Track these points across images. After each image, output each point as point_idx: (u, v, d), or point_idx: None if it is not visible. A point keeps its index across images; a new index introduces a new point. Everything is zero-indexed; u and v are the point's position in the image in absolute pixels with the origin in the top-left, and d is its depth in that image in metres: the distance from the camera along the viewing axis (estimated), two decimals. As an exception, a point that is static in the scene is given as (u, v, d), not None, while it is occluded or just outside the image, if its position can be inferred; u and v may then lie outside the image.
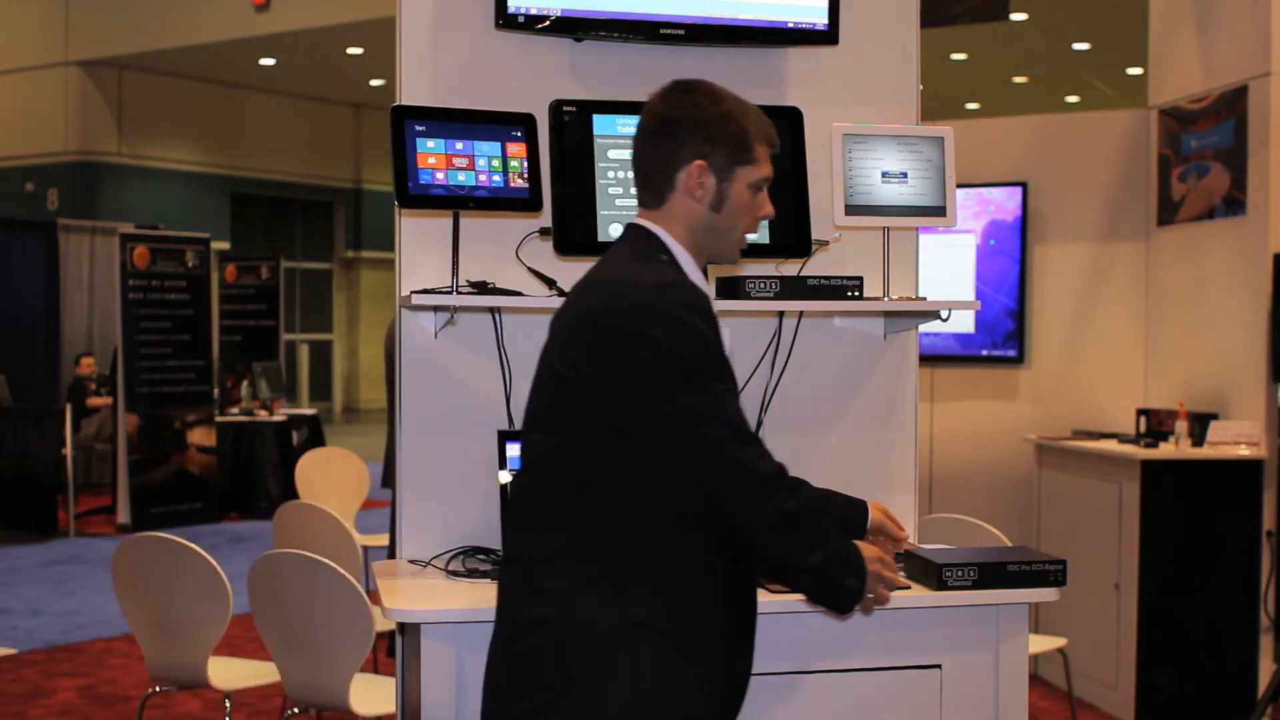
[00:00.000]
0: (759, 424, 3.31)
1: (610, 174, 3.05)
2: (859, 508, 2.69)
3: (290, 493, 8.73)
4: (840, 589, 2.25)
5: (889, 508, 3.39)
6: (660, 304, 2.12)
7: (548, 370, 2.23)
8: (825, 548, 2.21)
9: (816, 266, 3.27)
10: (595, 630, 2.12)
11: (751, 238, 3.10)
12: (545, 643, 2.14)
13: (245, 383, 11.72)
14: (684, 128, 2.27)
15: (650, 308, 2.11)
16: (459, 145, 2.94)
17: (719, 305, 3.05)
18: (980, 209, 6.34)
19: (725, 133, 2.27)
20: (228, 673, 4.06)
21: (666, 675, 2.13)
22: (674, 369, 2.10)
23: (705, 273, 2.36)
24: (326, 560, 3.58)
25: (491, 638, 2.28)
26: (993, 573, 2.68)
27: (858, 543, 2.32)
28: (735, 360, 3.26)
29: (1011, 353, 6.32)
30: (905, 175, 3.18)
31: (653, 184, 2.30)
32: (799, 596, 2.74)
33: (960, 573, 2.64)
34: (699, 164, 2.26)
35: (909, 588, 2.70)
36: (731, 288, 3.06)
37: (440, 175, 2.91)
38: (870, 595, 2.29)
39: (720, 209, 2.28)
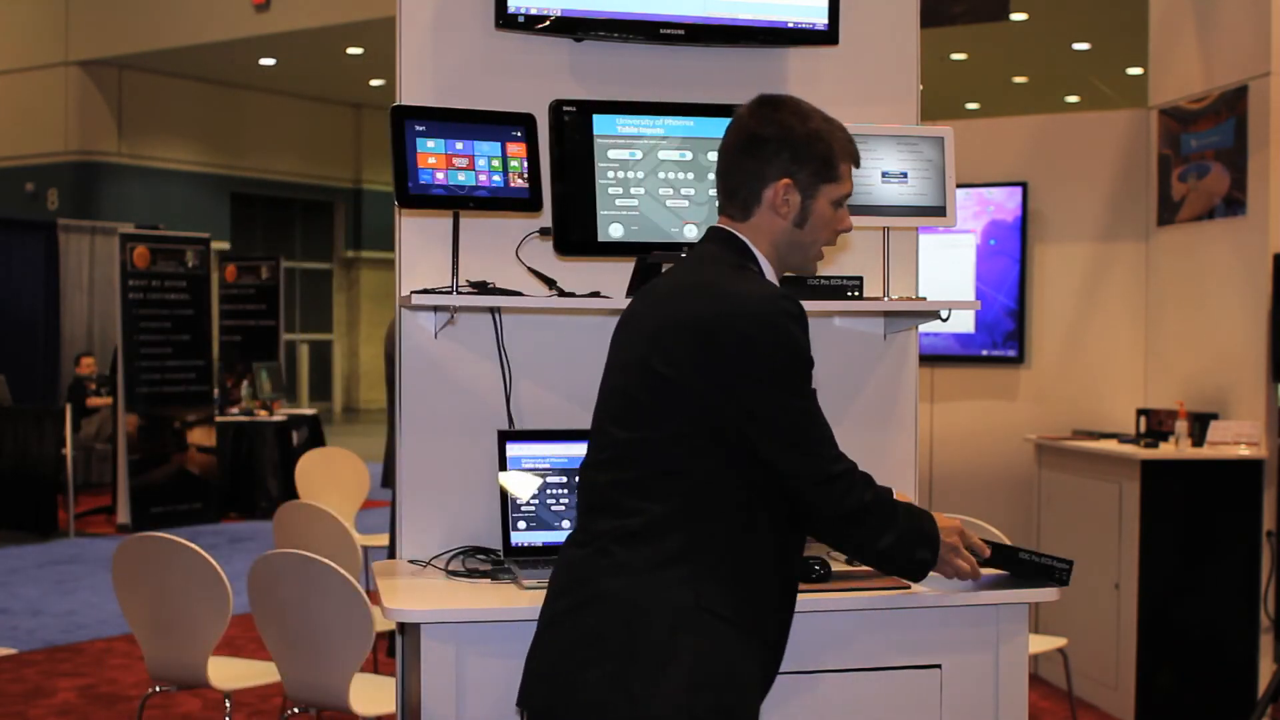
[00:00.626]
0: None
1: (610, 174, 3.05)
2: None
3: (290, 493, 8.74)
4: (911, 561, 2.44)
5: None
6: (770, 315, 2.24)
7: (641, 367, 2.29)
8: (894, 529, 2.38)
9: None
10: (669, 610, 2.19)
11: (751, 238, 3.13)
12: (615, 615, 2.21)
13: (245, 382, 11.72)
14: (772, 146, 2.35)
15: (760, 318, 2.23)
16: (459, 145, 2.94)
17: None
18: (980, 209, 6.34)
19: (811, 152, 2.35)
20: (228, 673, 4.06)
21: (726, 663, 2.21)
22: (780, 377, 2.24)
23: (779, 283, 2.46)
24: (326, 560, 3.58)
25: (547, 606, 2.34)
26: (1002, 552, 2.70)
27: (937, 515, 2.49)
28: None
29: (1011, 353, 6.32)
30: (905, 175, 3.18)
31: (739, 197, 2.38)
32: (799, 596, 2.74)
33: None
34: (785, 183, 2.34)
35: (986, 554, 2.69)
36: (731, 288, 3.06)
37: (440, 175, 2.91)
38: (947, 566, 2.51)
39: (804, 225, 2.37)
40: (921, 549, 2.43)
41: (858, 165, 2.45)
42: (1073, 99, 16.20)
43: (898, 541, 2.40)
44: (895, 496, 2.43)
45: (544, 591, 2.40)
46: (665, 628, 2.18)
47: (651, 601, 2.20)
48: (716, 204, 3.10)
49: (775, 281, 2.38)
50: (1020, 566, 2.56)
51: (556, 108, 3.06)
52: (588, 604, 2.24)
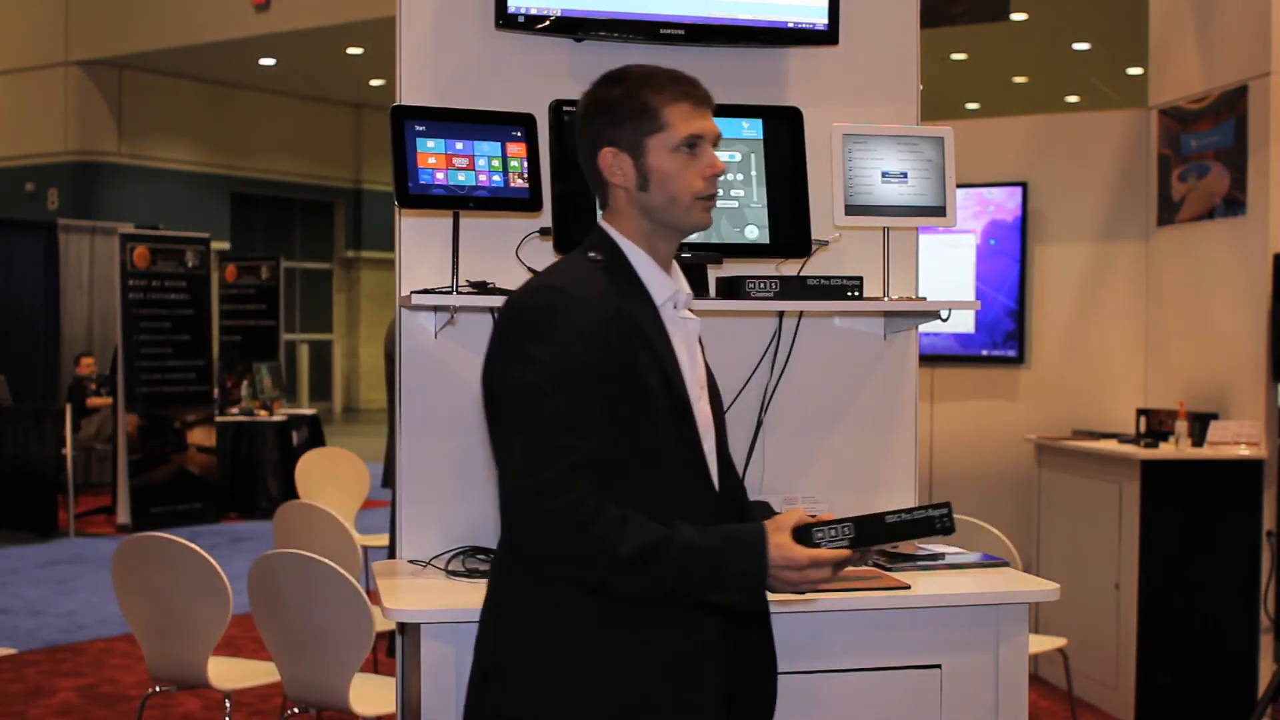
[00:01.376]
0: (759, 424, 3.31)
1: (610, 174, 3.05)
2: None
3: (290, 493, 8.73)
4: (703, 604, 2.09)
5: (889, 508, 3.39)
6: (528, 292, 2.14)
7: None
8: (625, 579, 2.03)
9: (816, 266, 3.27)
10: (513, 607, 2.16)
11: (752, 236, 3.13)
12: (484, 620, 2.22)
13: (245, 382, 11.72)
14: (589, 121, 2.23)
15: (518, 296, 2.15)
16: (459, 145, 2.94)
17: (721, 305, 3.07)
18: (980, 209, 6.34)
19: (624, 110, 2.18)
20: (228, 673, 4.06)
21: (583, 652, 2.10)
22: (515, 351, 2.07)
23: (679, 259, 2.32)
24: (326, 560, 3.58)
25: None
26: (869, 527, 2.17)
27: (774, 528, 2.07)
28: (735, 361, 3.29)
29: (1011, 353, 6.32)
30: (905, 175, 3.18)
31: (595, 190, 2.27)
32: (799, 596, 2.74)
33: (833, 531, 2.14)
34: (607, 151, 2.19)
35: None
36: (731, 288, 3.06)
37: (440, 175, 2.91)
38: (786, 586, 2.08)
39: (647, 186, 2.18)
40: (715, 592, 2.05)
41: (697, 101, 2.20)
42: (1073, 99, 16.19)
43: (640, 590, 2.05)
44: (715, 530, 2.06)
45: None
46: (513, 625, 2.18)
47: (507, 604, 2.19)
48: (717, 204, 3.10)
49: (651, 264, 2.19)
50: (892, 530, 2.19)
51: (556, 108, 3.06)
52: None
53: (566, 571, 2.06)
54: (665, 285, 2.20)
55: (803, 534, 2.07)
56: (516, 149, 3.00)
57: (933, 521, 2.18)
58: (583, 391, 2.04)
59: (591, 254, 2.19)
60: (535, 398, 2.04)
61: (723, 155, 3.14)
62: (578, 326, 2.05)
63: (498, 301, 2.98)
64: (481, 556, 3.02)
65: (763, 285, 3.02)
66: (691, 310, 2.29)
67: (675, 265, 2.28)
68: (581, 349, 2.04)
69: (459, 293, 2.93)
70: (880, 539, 2.16)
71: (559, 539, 2.01)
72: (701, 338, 2.31)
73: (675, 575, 2.02)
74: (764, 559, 2.03)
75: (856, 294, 3.09)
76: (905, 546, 3.20)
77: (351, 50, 15.62)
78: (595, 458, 2.03)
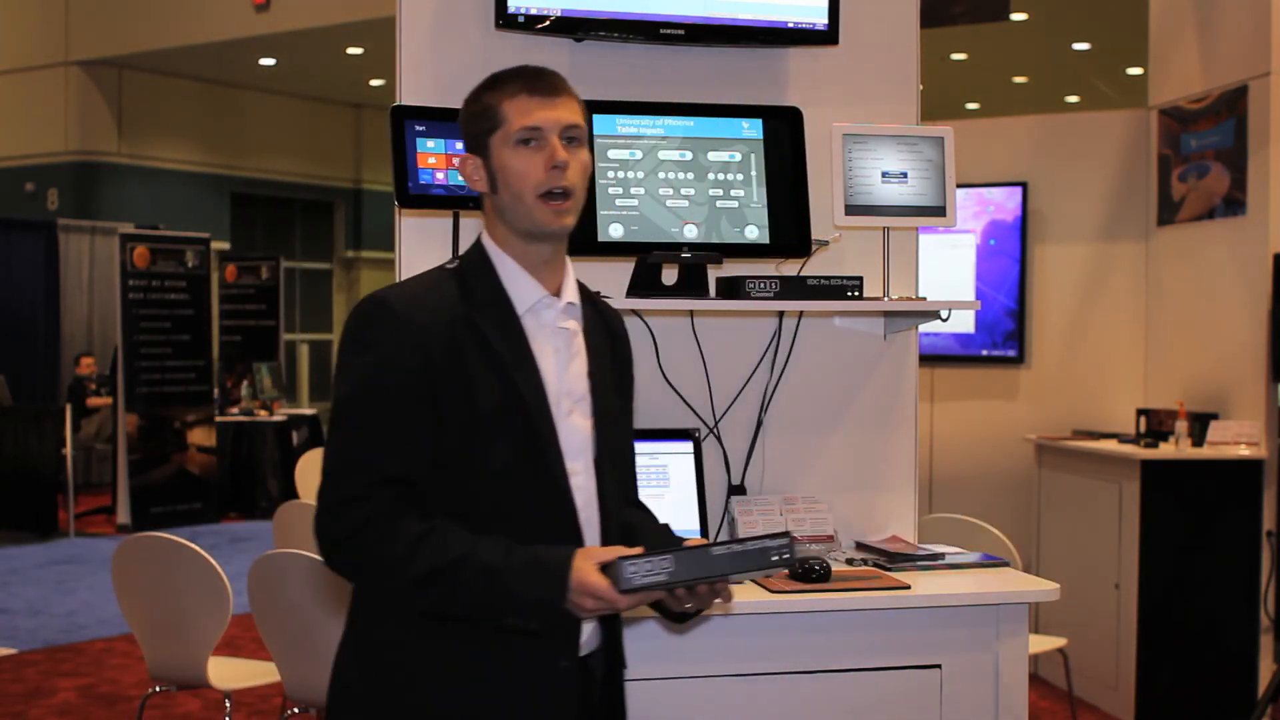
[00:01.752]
0: (759, 424, 3.31)
1: (610, 174, 3.05)
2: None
3: (290, 493, 8.74)
4: (499, 626, 2.01)
5: (889, 507, 3.40)
6: (353, 312, 2.10)
7: None
8: (424, 590, 1.98)
9: (816, 266, 3.27)
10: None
11: (752, 236, 3.13)
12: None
13: (245, 382, 11.72)
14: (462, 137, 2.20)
15: (349, 315, 2.10)
16: (459, 145, 2.94)
17: (720, 305, 3.07)
18: (980, 209, 6.34)
19: (470, 113, 2.15)
20: (228, 673, 4.06)
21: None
22: (342, 362, 2.05)
23: (591, 264, 2.29)
24: (326, 560, 3.57)
25: None
26: (692, 560, 1.97)
27: (582, 559, 1.96)
28: (735, 361, 3.29)
29: (1011, 353, 6.31)
30: (905, 175, 3.18)
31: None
32: (798, 596, 2.74)
33: (648, 565, 1.95)
34: (463, 158, 2.16)
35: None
36: (731, 288, 3.06)
37: (440, 175, 2.91)
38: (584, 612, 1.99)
39: (497, 188, 2.12)
40: (509, 615, 1.98)
41: (542, 93, 2.10)
42: (1073, 99, 16.19)
43: (438, 606, 2.00)
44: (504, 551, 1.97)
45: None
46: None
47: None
48: (716, 204, 3.11)
49: (521, 273, 2.12)
50: (720, 563, 1.97)
51: (556, 108, 3.06)
52: None
53: (366, 586, 2.04)
54: (530, 291, 2.11)
55: (612, 567, 1.93)
56: (516, 149, 3.00)
57: (768, 554, 1.99)
58: (394, 405, 1.99)
59: (449, 263, 2.17)
60: (348, 409, 2.02)
61: (722, 155, 3.14)
62: (395, 339, 2.01)
63: (498, 301, 2.98)
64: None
65: (763, 285, 3.01)
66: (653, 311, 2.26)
67: (567, 273, 2.18)
68: (398, 362, 2.00)
69: (459, 293, 2.92)
70: (707, 572, 1.97)
71: (351, 555, 1.99)
72: (596, 348, 2.18)
73: (467, 597, 1.96)
74: (564, 586, 1.93)
75: (856, 294, 3.09)
76: (905, 547, 3.20)
77: (351, 50, 15.62)
78: (403, 473, 1.99)
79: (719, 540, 1.97)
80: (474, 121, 2.14)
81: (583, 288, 2.25)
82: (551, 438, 2.06)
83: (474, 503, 2.03)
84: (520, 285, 2.12)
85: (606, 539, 2.12)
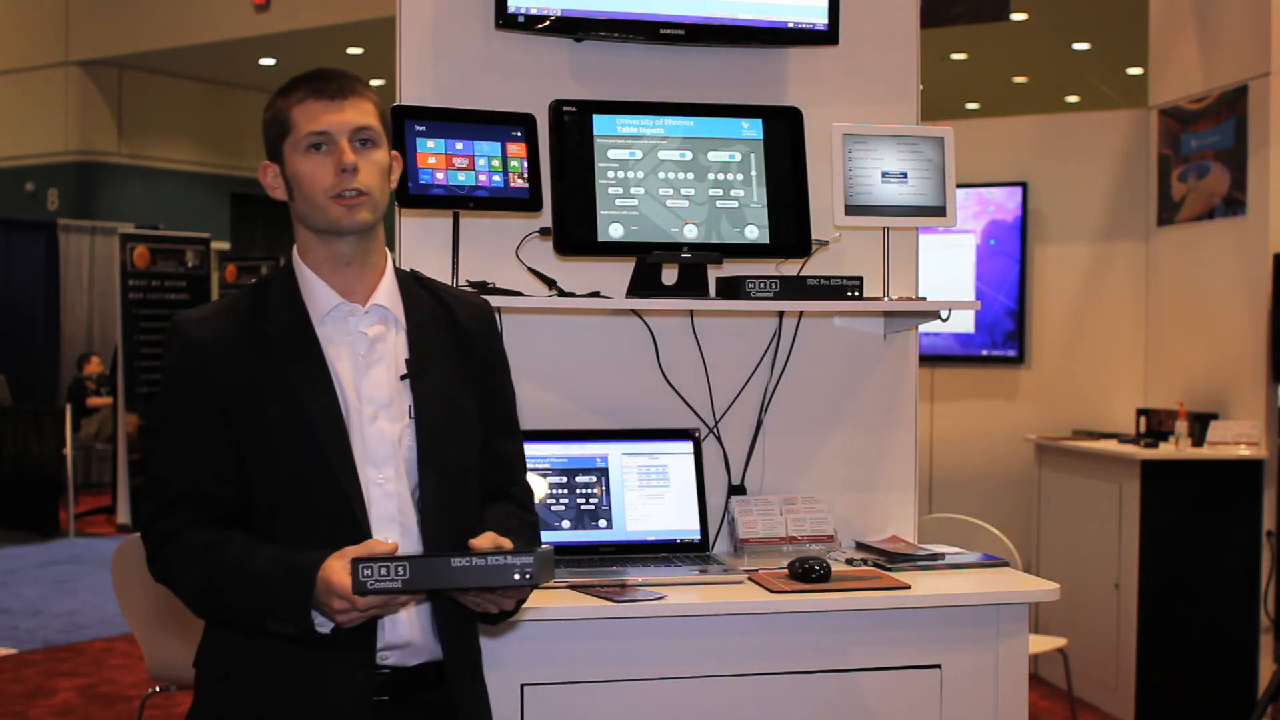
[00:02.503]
0: (759, 424, 3.31)
1: (610, 174, 3.05)
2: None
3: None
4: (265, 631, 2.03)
5: (889, 508, 3.40)
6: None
7: None
8: (195, 596, 2.07)
9: (816, 266, 3.27)
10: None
11: (752, 236, 3.13)
12: None
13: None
14: None
15: None
16: (459, 145, 2.94)
17: (720, 305, 3.07)
18: (980, 209, 6.34)
19: (265, 121, 2.15)
20: (228, 673, 4.05)
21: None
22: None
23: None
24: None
25: None
26: (429, 569, 1.94)
27: (329, 565, 1.95)
28: (735, 361, 3.29)
29: (1011, 353, 6.32)
30: (905, 175, 3.18)
31: None
32: (798, 596, 2.74)
33: (384, 570, 1.92)
34: (263, 167, 2.17)
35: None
36: (731, 288, 3.06)
37: (440, 175, 2.91)
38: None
39: (294, 195, 2.14)
40: (272, 620, 1.99)
41: (328, 97, 2.09)
42: (1073, 99, 16.18)
43: (203, 607, 2.07)
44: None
45: (542, 591, 2.40)
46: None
47: None
48: (716, 204, 3.11)
49: (315, 279, 2.13)
50: (457, 575, 1.94)
51: (556, 108, 3.06)
52: None
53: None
54: (326, 299, 2.12)
55: (354, 568, 1.91)
56: (516, 149, 3.00)
57: (510, 570, 1.94)
58: (183, 426, 2.07)
59: (254, 280, 2.22)
60: (154, 429, 2.14)
61: (722, 155, 3.14)
62: (183, 359, 2.08)
63: (498, 301, 2.98)
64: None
65: (763, 285, 3.01)
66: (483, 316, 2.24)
67: (384, 274, 2.16)
68: (183, 384, 2.08)
69: (459, 293, 2.93)
70: (443, 583, 1.95)
71: (157, 569, 2.08)
72: (427, 347, 2.15)
73: (235, 604, 2.02)
74: (309, 587, 1.94)
75: (856, 294, 3.09)
76: (904, 547, 3.20)
77: (351, 50, 15.61)
78: (193, 490, 2.04)
79: (462, 552, 1.96)
80: (268, 129, 2.15)
81: (430, 282, 2.25)
82: (340, 446, 2.05)
83: (272, 512, 2.05)
84: (317, 294, 2.13)
85: (429, 543, 2.09)
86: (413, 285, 2.21)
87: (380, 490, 2.08)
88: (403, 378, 2.12)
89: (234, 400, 2.05)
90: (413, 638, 2.09)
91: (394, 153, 2.19)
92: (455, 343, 2.19)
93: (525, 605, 2.23)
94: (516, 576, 1.94)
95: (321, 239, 2.13)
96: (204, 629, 2.16)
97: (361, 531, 2.04)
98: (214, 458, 2.05)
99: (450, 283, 2.93)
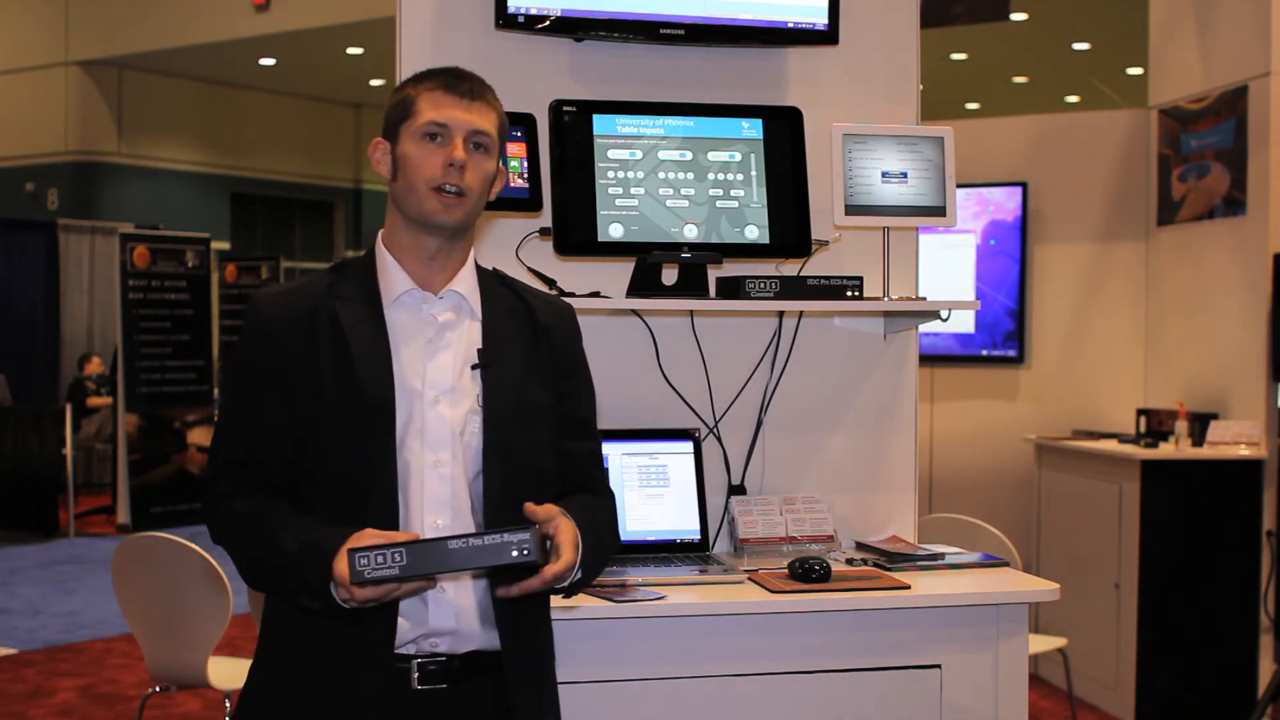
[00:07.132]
0: (759, 424, 3.31)
1: (610, 174, 3.05)
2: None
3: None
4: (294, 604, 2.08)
5: (889, 508, 3.40)
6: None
7: None
8: (240, 558, 2.12)
9: (816, 266, 3.27)
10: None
11: (752, 236, 3.13)
12: None
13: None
14: None
15: None
16: (459, 145, 2.94)
17: (721, 305, 3.07)
18: (980, 209, 6.34)
19: (390, 102, 2.19)
20: (228, 673, 4.05)
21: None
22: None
23: (476, 256, 2.23)
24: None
25: None
26: (427, 552, 1.92)
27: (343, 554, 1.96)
28: (735, 361, 3.29)
29: (1011, 353, 6.32)
30: (905, 175, 3.19)
31: None
32: (798, 596, 2.74)
33: (380, 557, 1.91)
34: (374, 142, 2.19)
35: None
36: (731, 288, 3.06)
37: (440, 175, 2.91)
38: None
39: (397, 175, 2.15)
40: (302, 596, 2.02)
41: (458, 94, 2.13)
42: (1073, 99, 16.19)
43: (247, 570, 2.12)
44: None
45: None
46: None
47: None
48: (716, 204, 3.11)
49: (395, 266, 2.14)
50: (456, 556, 1.91)
51: (556, 108, 3.06)
52: None
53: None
54: (399, 284, 2.14)
55: (351, 558, 1.90)
56: (516, 149, 3.00)
57: (508, 548, 1.91)
58: (245, 395, 2.13)
59: (337, 260, 2.25)
60: (222, 398, 2.22)
61: (722, 155, 3.14)
62: (256, 332, 2.13)
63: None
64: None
65: (763, 285, 3.02)
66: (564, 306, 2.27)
67: (464, 266, 2.17)
68: (252, 356, 2.12)
69: (459, 293, 2.92)
70: (442, 566, 1.91)
71: (213, 534, 2.15)
72: (501, 340, 2.15)
73: (274, 576, 2.06)
74: (328, 567, 1.95)
75: (856, 294, 3.09)
76: (905, 547, 3.20)
77: (351, 50, 15.62)
78: (246, 456, 2.10)
79: (458, 534, 1.93)
80: (391, 109, 2.18)
81: (512, 281, 2.26)
82: (384, 426, 2.07)
83: (314, 485, 2.09)
84: (392, 278, 2.15)
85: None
86: (493, 281, 2.24)
87: (435, 473, 2.09)
88: (474, 367, 2.13)
89: (296, 374, 2.09)
90: (460, 625, 2.08)
91: (501, 167, 2.21)
92: (532, 340, 2.20)
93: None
94: (514, 554, 1.92)
95: (410, 228, 2.15)
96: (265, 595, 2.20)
97: (393, 512, 2.06)
98: (270, 427, 2.09)
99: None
